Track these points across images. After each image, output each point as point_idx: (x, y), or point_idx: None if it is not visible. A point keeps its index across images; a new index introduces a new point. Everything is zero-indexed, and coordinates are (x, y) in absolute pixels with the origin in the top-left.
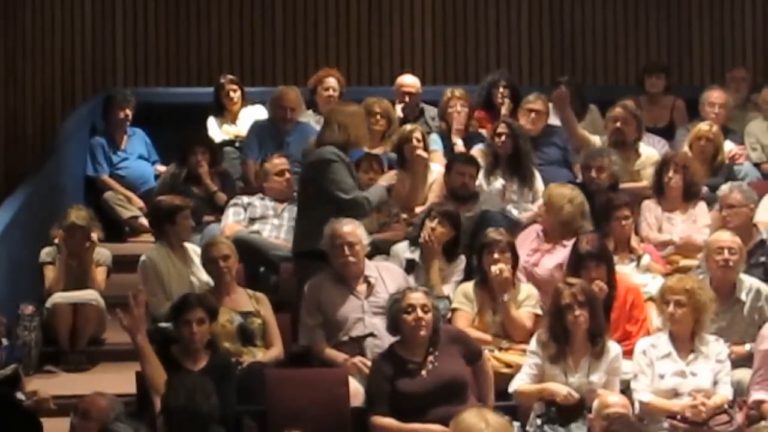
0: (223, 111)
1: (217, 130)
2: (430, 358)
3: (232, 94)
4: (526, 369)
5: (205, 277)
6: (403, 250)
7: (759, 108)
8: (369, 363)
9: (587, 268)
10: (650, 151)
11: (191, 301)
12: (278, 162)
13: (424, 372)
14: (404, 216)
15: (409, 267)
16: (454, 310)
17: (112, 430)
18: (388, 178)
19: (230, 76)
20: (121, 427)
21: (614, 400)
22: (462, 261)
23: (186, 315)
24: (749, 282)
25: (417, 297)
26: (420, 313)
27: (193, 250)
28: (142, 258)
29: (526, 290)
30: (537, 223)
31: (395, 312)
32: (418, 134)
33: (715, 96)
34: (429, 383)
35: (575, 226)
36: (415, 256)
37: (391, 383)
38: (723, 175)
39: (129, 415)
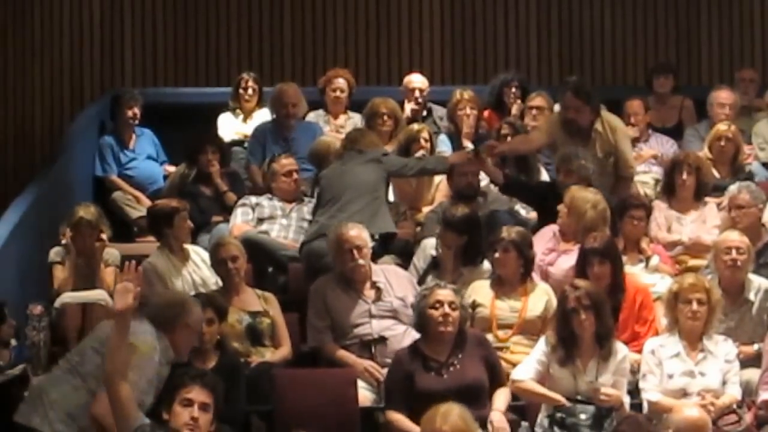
0: (237, 108)
1: (228, 128)
2: (453, 359)
3: (250, 91)
4: (532, 363)
5: (207, 275)
6: (431, 245)
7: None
8: (380, 368)
9: (591, 264)
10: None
11: (201, 302)
12: (286, 162)
13: (445, 372)
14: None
15: (434, 264)
16: None
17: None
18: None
19: (252, 74)
20: None
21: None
22: (486, 267)
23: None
24: (758, 282)
25: (445, 294)
26: (447, 309)
27: (194, 251)
28: (143, 264)
29: (542, 289)
30: (553, 223)
31: (422, 308)
32: (425, 134)
33: (724, 96)
34: (449, 384)
35: (596, 231)
36: (438, 253)
37: (410, 380)
38: (742, 175)
39: None
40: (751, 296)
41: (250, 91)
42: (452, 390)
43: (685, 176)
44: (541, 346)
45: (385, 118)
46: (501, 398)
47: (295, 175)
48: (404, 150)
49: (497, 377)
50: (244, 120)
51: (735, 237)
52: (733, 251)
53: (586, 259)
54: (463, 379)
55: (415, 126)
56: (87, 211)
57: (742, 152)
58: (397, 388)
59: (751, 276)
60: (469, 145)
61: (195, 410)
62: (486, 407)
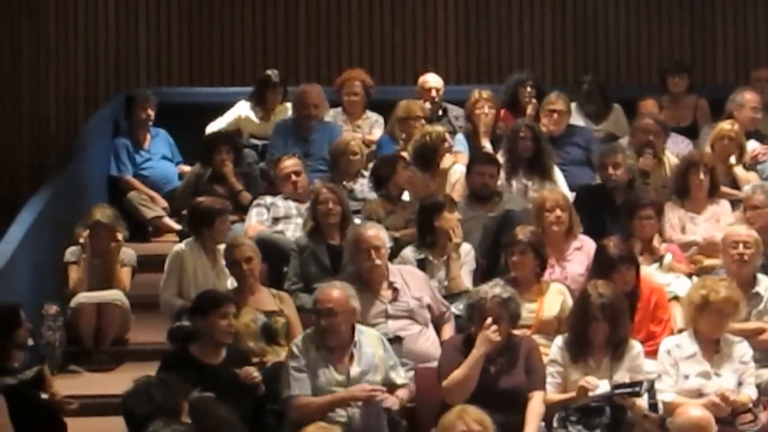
0: (258, 106)
1: (243, 116)
2: (501, 359)
3: (279, 90)
4: (548, 378)
5: (228, 282)
6: (411, 252)
7: None
8: None
9: (620, 271)
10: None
11: (226, 297)
12: (287, 164)
13: (492, 369)
14: None
15: (422, 267)
16: None
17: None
18: None
19: (278, 74)
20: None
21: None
22: (468, 248)
23: (224, 308)
24: (767, 279)
25: (494, 311)
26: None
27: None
28: (175, 248)
29: (557, 289)
30: None
31: (474, 321)
32: (442, 134)
33: (754, 99)
34: (493, 381)
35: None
36: (422, 254)
37: (461, 360)
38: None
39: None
40: (762, 291)
41: (278, 89)
42: (495, 389)
43: (702, 176)
44: (553, 354)
45: (423, 121)
46: (534, 418)
47: (294, 178)
48: (421, 150)
49: (534, 383)
50: (266, 119)
51: (742, 231)
52: (740, 245)
53: (614, 266)
54: (507, 382)
55: (432, 129)
56: (103, 214)
57: (745, 151)
58: (450, 363)
59: (760, 275)
60: (487, 144)
61: None
62: (520, 413)
